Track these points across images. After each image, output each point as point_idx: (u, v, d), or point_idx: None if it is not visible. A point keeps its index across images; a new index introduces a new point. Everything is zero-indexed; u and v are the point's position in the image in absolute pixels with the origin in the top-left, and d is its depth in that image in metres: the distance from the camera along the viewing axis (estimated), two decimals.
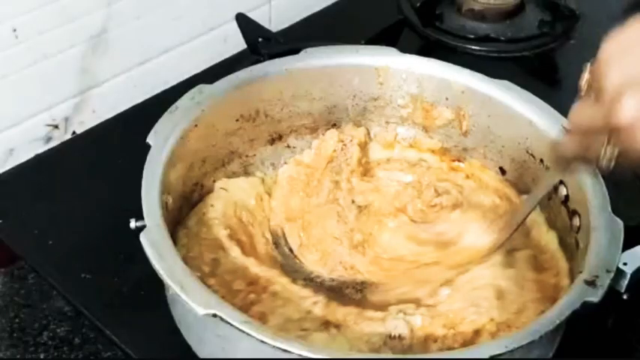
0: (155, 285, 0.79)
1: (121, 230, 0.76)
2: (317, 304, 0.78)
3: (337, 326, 0.77)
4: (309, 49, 0.91)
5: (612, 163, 0.69)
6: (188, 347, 0.79)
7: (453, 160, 0.94)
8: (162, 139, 0.81)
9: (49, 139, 1.04)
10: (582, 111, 0.70)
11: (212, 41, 1.13)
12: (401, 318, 0.77)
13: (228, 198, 0.87)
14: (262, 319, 0.76)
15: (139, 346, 0.82)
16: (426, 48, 1.13)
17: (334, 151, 0.92)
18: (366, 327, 0.76)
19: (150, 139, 0.80)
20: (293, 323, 0.77)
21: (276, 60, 0.91)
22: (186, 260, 0.76)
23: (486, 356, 0.67)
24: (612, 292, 0.87)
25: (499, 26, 1.17)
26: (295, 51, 0.93)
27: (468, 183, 0.92)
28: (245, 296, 0.79)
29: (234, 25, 1.06)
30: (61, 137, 1.05)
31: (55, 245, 0.91)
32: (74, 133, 1.06)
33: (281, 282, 0.80)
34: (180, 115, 0.83)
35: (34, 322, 0.90)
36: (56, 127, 1.05)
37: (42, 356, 0.87)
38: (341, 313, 0.78)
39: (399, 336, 0.76)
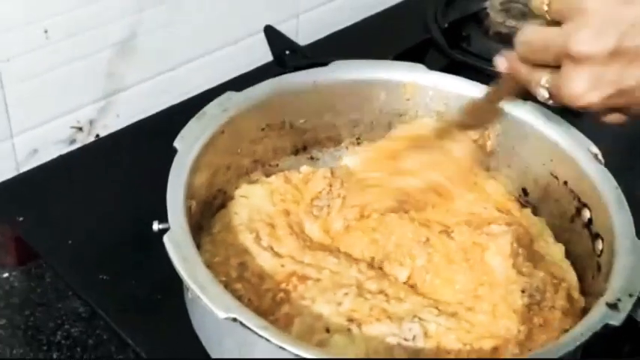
0: (172, 289, 0.81)
1: (140, 233, 0.77)
2: (348, 296, 0.78)
3: (359, 324, 0.77)
4: (337, 62, 0.91)
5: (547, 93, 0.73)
6: (202, 351, 0.78)
7: None
8: (189, 143, 0.81)
9: (72, 142, 1.05)
10: (537, 30, 0.73)
11: (239, 52, 1.14)
12: (417, 322, 0.77)
13: (251, 204, 0.87)
14: (288, 321, 0.76)
15: (152, 349, 0.82)
16: (452, 68, 1.13)
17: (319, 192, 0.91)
18: (385, 327, 0.76)
19: (177, 143, 0.81)
20: (318, 322, 0.77)
21: (304, 71, 0.91)
22: (211, 266, 0.76)
23: None
24: (629, 319, 0.87)
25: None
26: (321, 64, 0.93)
27: None
28: (274, 296, 0.79)
29: (261, 37, 1.07)
30: (84, 140, 1.06)
31: (73, 245, 0.91)
32: (97, 136, 1.07)
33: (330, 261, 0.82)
34: (208, 121, 0.83)
35: (48, 321, 0.90)
36: (80, 129, 1.05)
37: (54, 356, 0.87)
38: (367, 306, 0.78)
39: (414, 338, 0.76)
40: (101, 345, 0.88)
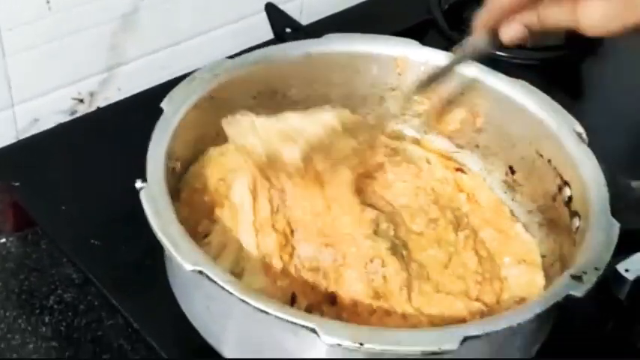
0: (159, 255, 0.81)
1: (133, 199, 0.77)
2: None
3: None
4: (330, 35, 0.92)
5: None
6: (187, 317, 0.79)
7: (457, 170, 0.94)
8: (175, 105, 0.82)
9: (73, 113, 1.07)
10: None
11: (241, 30, 1.15)
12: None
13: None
14: None
15: (139, 314, 0.83)
16: (451, 50, 1.14)
17: None
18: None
19: (164, 104, 0.82)
20: None
21: (298, 42, 0.92)
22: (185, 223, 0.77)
23: (460, 337, 0.67)
24: (613, 298, 0.88)
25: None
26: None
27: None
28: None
29: (264, 16, 1.08)
30: (85, 111, 1.08)
31: (67, 211, 0.93)
32: (98, 108, 1.08)
33: None
34: (197, 85, 0.85)
35: (42, 286, 0.92)
36: (81, 101, 1.07)
37: (46, 319, 0.89)
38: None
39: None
40: (92, 310, 0.89)
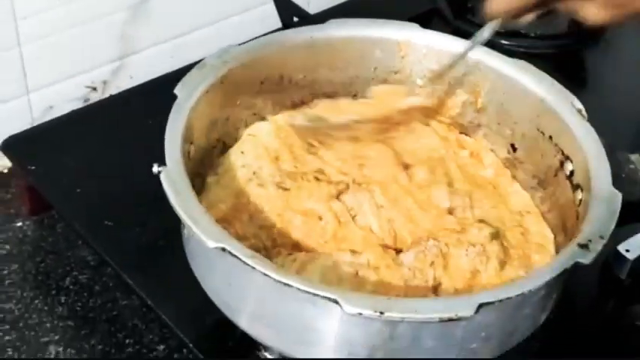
0: (173, 236, 0.83)
1: (146, 183, 0.79)
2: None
3: None
4: (334, 20, 0.94)
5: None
6: (203, 296, 0.81)
7: (461, 133, 0.97)
8: (188, 90, 0.84)
9: (86, 101, 1.09)
10: None
11: (249, 19, 1.18)
12: None
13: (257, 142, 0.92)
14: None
15: (154, 293, 0.86)
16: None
17: None
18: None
19: (177, 90, 0.84)
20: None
21: (302, 28, 0.94)
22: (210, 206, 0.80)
23: (476, 304, 0.70)
24: (614, 278, 0.92)
25: (530, 23, 1.20)
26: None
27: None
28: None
29: (272, 5, 1.09)
30: (98, 99, 1.10)
31: (82, 194, 0.96)
32: (111, 95, 1.10)
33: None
34: (208, 71, 0.87)
35: (58, 268, 0.94)
36: (94, 89, 1.09)
37: (62, 300, 0.91)
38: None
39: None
40: (106, 291, 0.92)
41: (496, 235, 0.85)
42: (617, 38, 1.22)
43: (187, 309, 0.85)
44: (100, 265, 0.94)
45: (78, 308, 0.91)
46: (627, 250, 0.91)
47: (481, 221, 0.87)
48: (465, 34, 1.12)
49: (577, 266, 0.74)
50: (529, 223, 0.89)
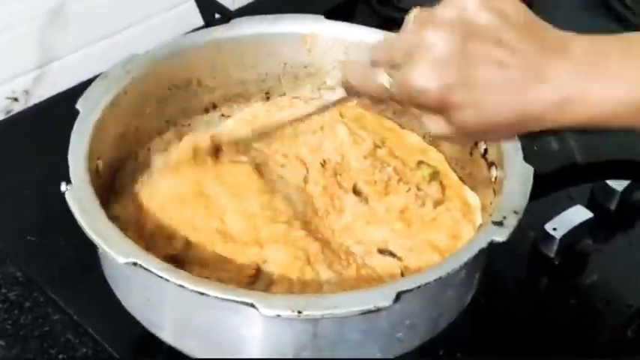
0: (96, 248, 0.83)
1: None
2: None
3: None
4: (237, 19, 0.93)
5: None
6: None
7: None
8: (91, 104, 0.83)
9: (9, 112, 1.07)
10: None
11: (173, 18, 1.16)
12: None
13: None
14: None
15: (81, 308, 0.86)
16: (382, 25, 1.15)
17: None
18: None
19: (79, 105, 0.83)
20: None
21: (205, 29, 0.93)
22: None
23: (394, 293, 0.69)
24: (543, 257, 0.92)
25: None
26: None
27: None
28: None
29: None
30: (21, 109, 1.08)
31: (3, 209, 0.95)
32: (34, 105, 1.09)
33: None
34: (110, 83, 0.85)
35: None
36: (16, 99, 1.08)
37: None
38: None
39: None
40: (37, 307, 0.90)
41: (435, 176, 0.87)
42: None
43: (116, 323, 0.84)
44: (29, 280, 0.92)
45: (8, 327, 0.88)
46: (554, 229, 0.92)
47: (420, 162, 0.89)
48: (391, 21, 1.11)
49: (494, 244, 0.74)
50: None
